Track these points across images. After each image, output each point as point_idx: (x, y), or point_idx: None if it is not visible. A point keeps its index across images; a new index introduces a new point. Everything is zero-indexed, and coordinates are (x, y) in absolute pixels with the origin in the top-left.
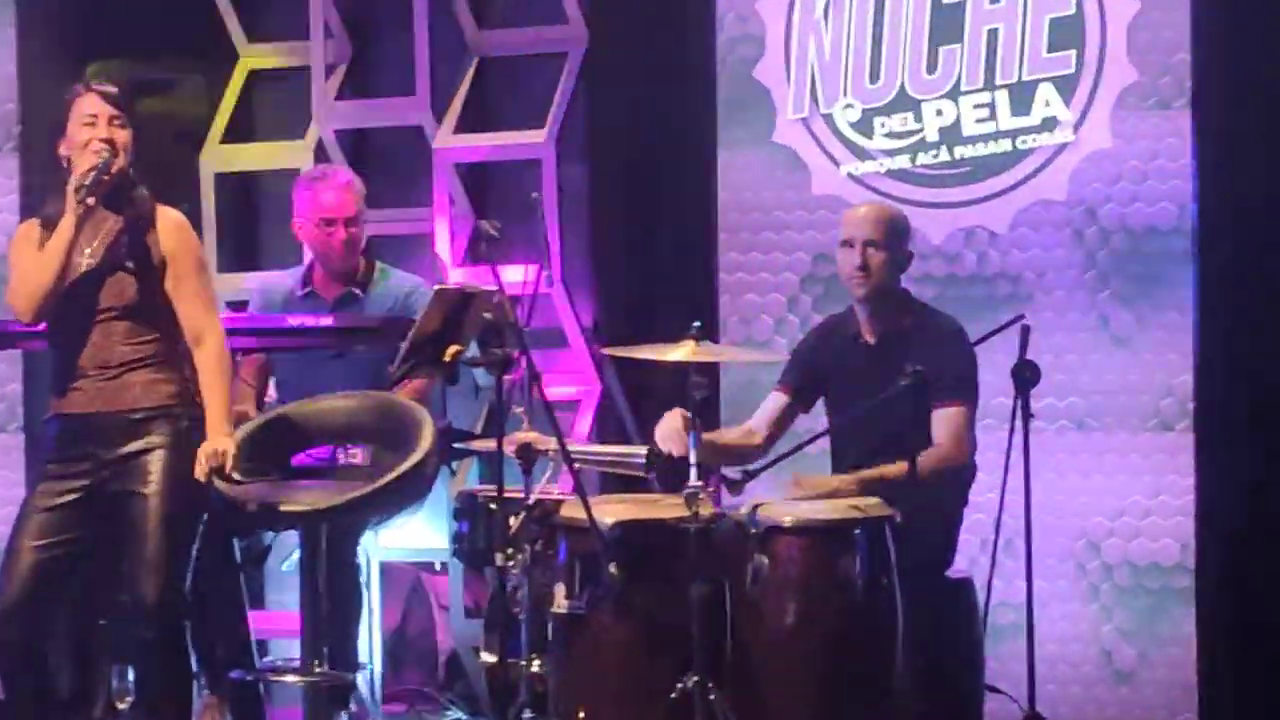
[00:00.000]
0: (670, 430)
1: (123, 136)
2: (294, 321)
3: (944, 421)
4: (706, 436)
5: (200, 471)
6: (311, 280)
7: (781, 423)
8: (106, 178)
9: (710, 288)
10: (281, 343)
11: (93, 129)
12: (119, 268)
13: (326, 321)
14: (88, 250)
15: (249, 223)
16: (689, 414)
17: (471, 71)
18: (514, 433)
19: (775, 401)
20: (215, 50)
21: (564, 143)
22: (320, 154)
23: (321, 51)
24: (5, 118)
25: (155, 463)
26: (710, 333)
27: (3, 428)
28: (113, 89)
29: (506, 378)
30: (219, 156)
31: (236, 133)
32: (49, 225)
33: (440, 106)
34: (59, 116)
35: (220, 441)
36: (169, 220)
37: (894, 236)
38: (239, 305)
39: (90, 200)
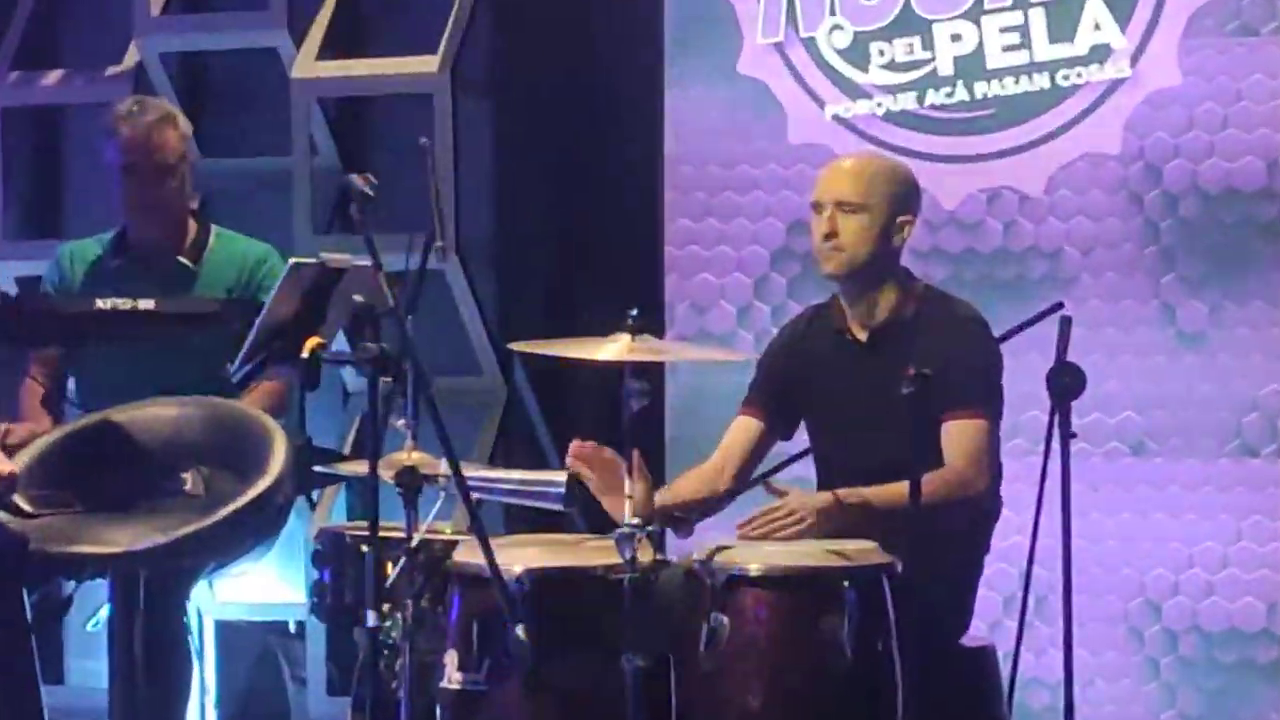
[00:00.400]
0: (602, 477)
1: None
2: (103, 304)
3: (956, 437)
4: (659, 496)
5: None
6: (126, 249)
7: (753, 458)
8: None
9: (653, 265)
10: (85, 331)
11: None
12: None
13: (146, 304)
14: None
15: (47, 174)
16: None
17: None
18: (393, 453)
19: (744, 430)
20: None
21: (462, 74)
22: (142, 84)
23: None
24: None
25: None
26: (653, 324)
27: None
28: None
29: (384, 380)
30: (10, 88)
31: (32, 56)
32: None
33: (300, 24)
34: None
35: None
36: None
37: (881, 197)
38: (29, 282)
39: None
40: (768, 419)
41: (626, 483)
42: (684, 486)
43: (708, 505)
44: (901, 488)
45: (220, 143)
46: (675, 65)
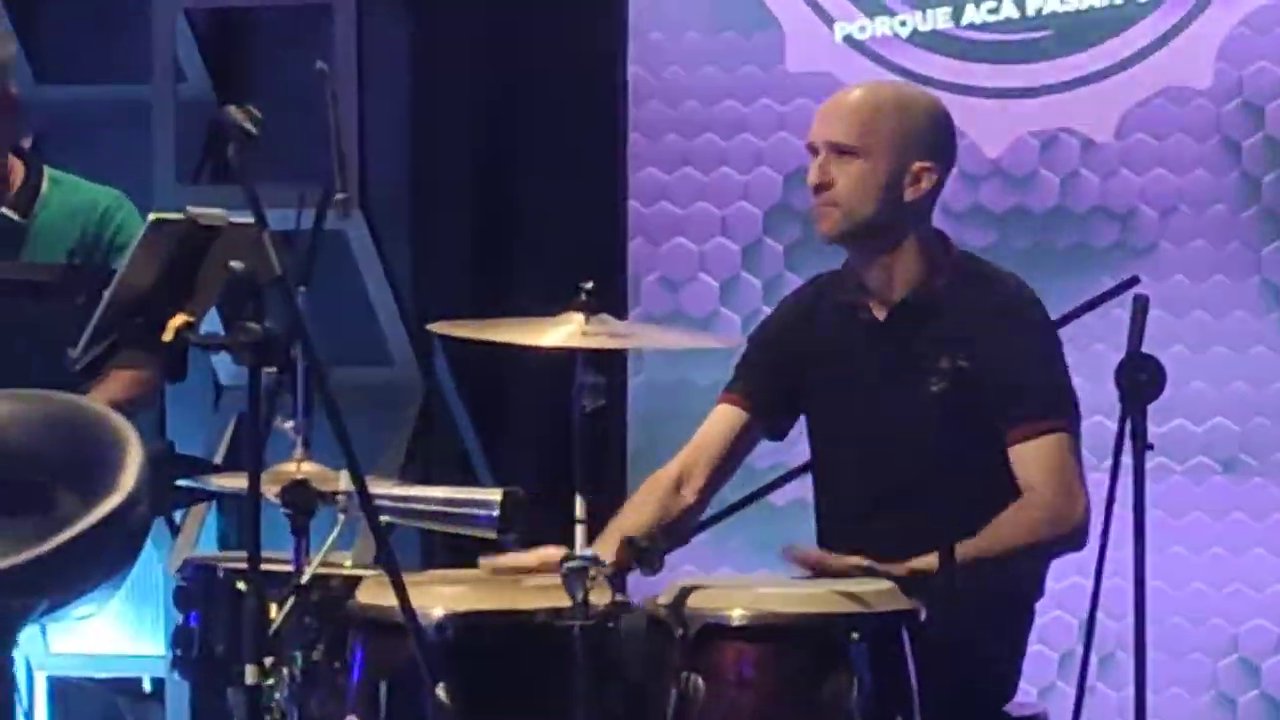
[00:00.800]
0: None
1: None
2: None
3: (1035, 458)
4: (615, 531)
5: None
6: None
7: (733, 457)
8: None
9: (613, 228)
10: None
11: None
12: None
13: None
14: None
15: None
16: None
17: None
18: (279, 464)
19: (722, 422)
20: None
21: None
22: None
23: None
24: None
25: None
26: (611, 302)
27: None
28: None
29: (268, 371)
30: None
31: None
32: None
33: None
34: None
35: None
36: None
37: (887, 137)
38: None
39: None
40: (754, 409)
41: (578, 503)
42: (641, 512)
43: (669, 532)
44: (980, 539)
45: (60, 66)
46: None
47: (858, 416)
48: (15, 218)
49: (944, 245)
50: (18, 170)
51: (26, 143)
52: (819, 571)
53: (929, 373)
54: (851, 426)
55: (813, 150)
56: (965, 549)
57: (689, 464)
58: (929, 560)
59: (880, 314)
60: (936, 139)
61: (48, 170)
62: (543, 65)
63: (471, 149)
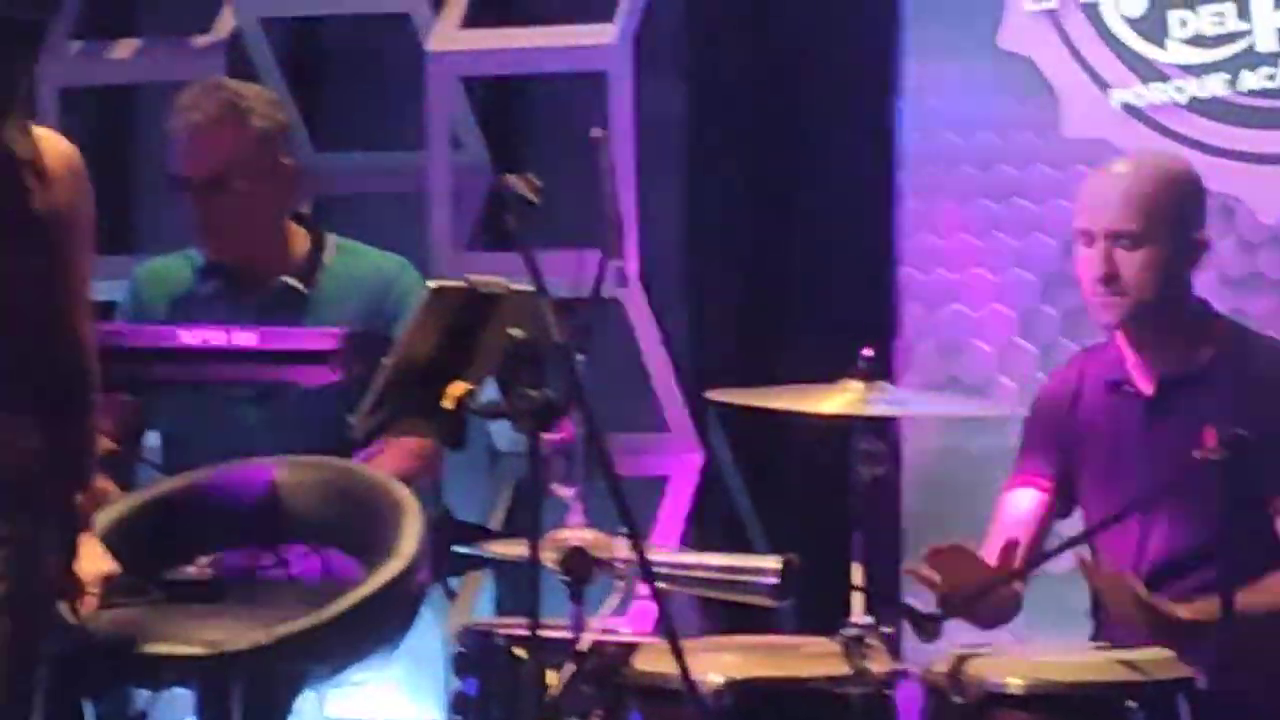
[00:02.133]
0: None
1: None
2: (189, 338)
3: None
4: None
5: (80, 602)
6: (220, 270)
7: (1041, 539)
8: None
9: (886, 293)
10: (169, 373)
11: None
12: None
13: (244, 338)
14: None
15: (116, 172)
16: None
17: None
18: (557, 530)
19: (1028, 504)
20: None
21: (647, 47)
22: (238, 58)
23: None
24: None
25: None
26: (886, 369)
27: None
28: None
29: (547, 438)
30: (71, 63)
31: (99, 23)
32: None
33: None
34: None
35: (99, 559)
36: (59, 153)
37: (1171, 220)
38: (99, 310)
39: None
40: (1053, 489)
41: (856, 571)
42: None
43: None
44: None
45: (339, 134)
46: (917, 35)
47: (1131, 490)
48: (299, 286)
49: (1208, 313)
50: (301, 238)
51: (306, 209)
52: (1105, 589)
53: (1203, 444)
54: (1125, 499)
55: (1087, 237)
56: (1245, 600)
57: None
58: (1209, 607)
59: (1148, 388)
60: (1200, 206)
61: (331, 238)
62: (817, 131)
63: (746, 215)
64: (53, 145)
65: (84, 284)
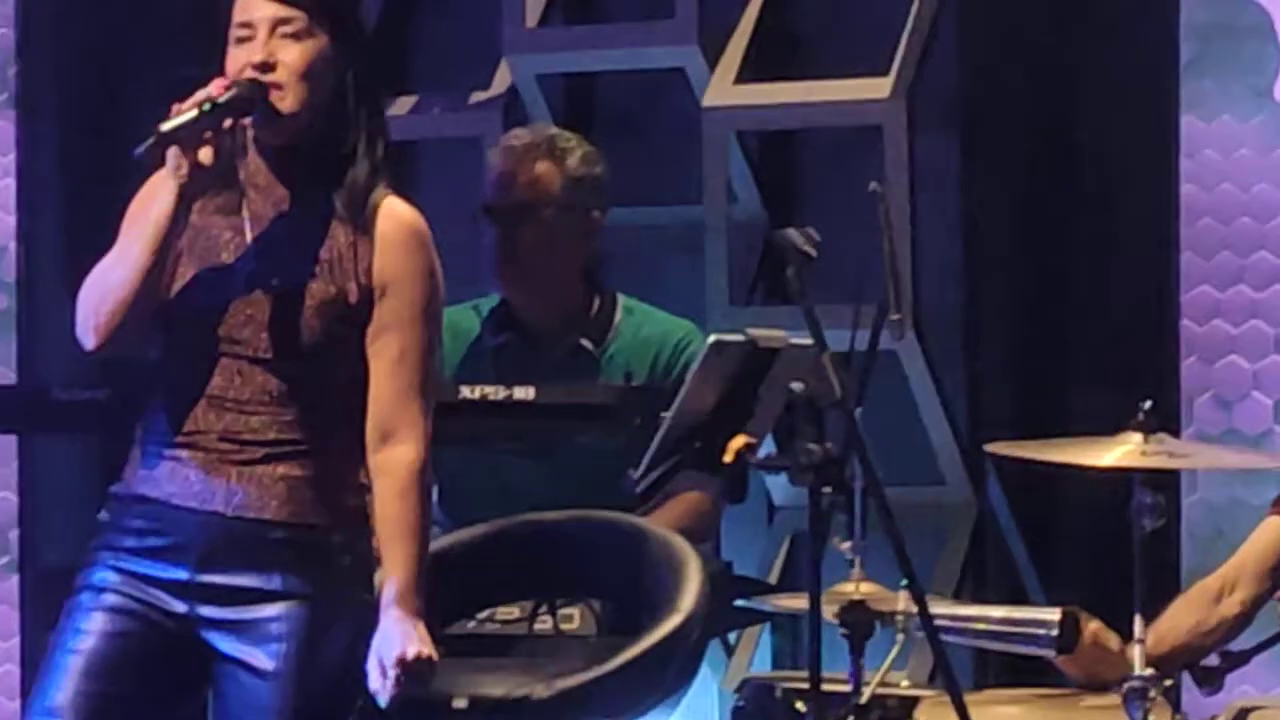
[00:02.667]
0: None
1: (296, 56)
2: (469, 393)
3: None
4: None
5: (381, 684)
6: (512, 324)
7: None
8: (231, 122)
9: (1167, 345)
10: (450, 427)
11: (247, 48)
12: (285, 283)
13: (523, 394)
14: (229, 238)
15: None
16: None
17: None
18: (836, 584)
19: (1272, 533)
20: None
21: (920, 100)
22: (514, 113)
23: None
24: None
25: (289, 622)
26: (1164, 421)
27: None
28: None
29: (825, 491)
30: None
31: (380, 77)
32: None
33: (715, 38)
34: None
35: (418, 642)
36: (395, 221)
37: None
38: None
39: (198, 159)
40: None
41: (1137, 623)
42: (1167, 619)
43: (1203, 641)
44: None
45: (616, 189)
46: (1193, 88)
47: None
48: (590, 347)
49: None
50: (591, 297)
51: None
52: None
53: None
54: None
55: None
56: None
57: (1231, 575)
58: None
59: None
60: None
61: (621, 299)
62: (1092, 184)
63: (1021, 268)
64: (392, 212)
65: (409, 350)
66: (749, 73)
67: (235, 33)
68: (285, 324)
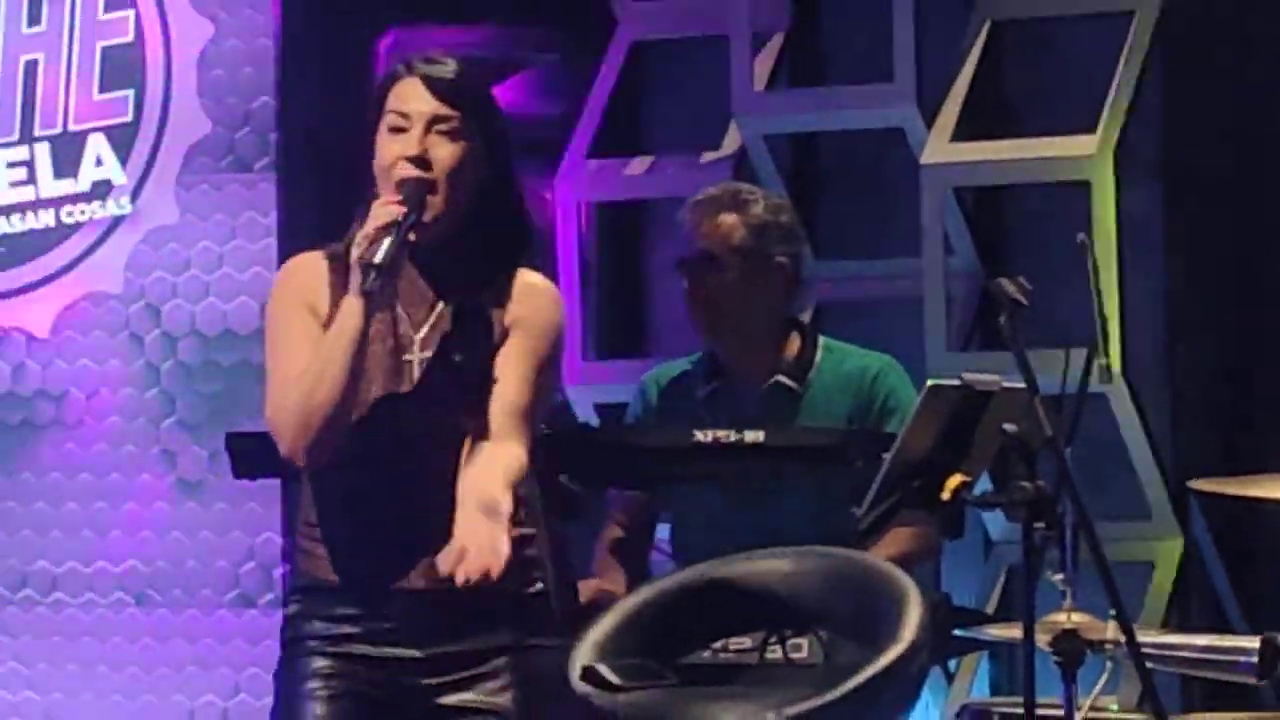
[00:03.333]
0: None
1: (449, 154)
2: (701, 436)
3: None
4: None
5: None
6: (718, 373)
7: None
8: (411, 239)
9: None
10: (683, 470)
11: (401, 139)
12: (465, 372)
13: (753, 436)
14: (415, 339)
15: (630, 281)
16: None
17: (980, 42)
18: (1049, 614)
19: None
20: (579, 15)
21: (1125, 155)
22: (744, 171)
23: (747, 13)
24: (258, 119)
25: (511, 670)
26: None
27: (251, 599)
28: (449, 70)
29: (1038, 526)
30: (590, 178)
31: (613, 141)
32: (342, 269)
33: (931, 100)
34: (351, 115)
35: (472, 559)
36: (526, 286)
37: None
38: (611, 410)
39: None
40: None
41: None
42: None
43: None
44: None
45: (836, 243)
46: None
47: None
48: (792, 385)
49: None
50: (794, 341)
51: (806, 316)
52: None
53: None
54: None
55: None
56: None
57: None
58: None
59: None
60: None
61: (821, 339)
62: None
63: (1223, 311)
64: (525, 277)
65: (522, 378)
66: (964, 131)
67: (389, 120)
68: (457, 421)
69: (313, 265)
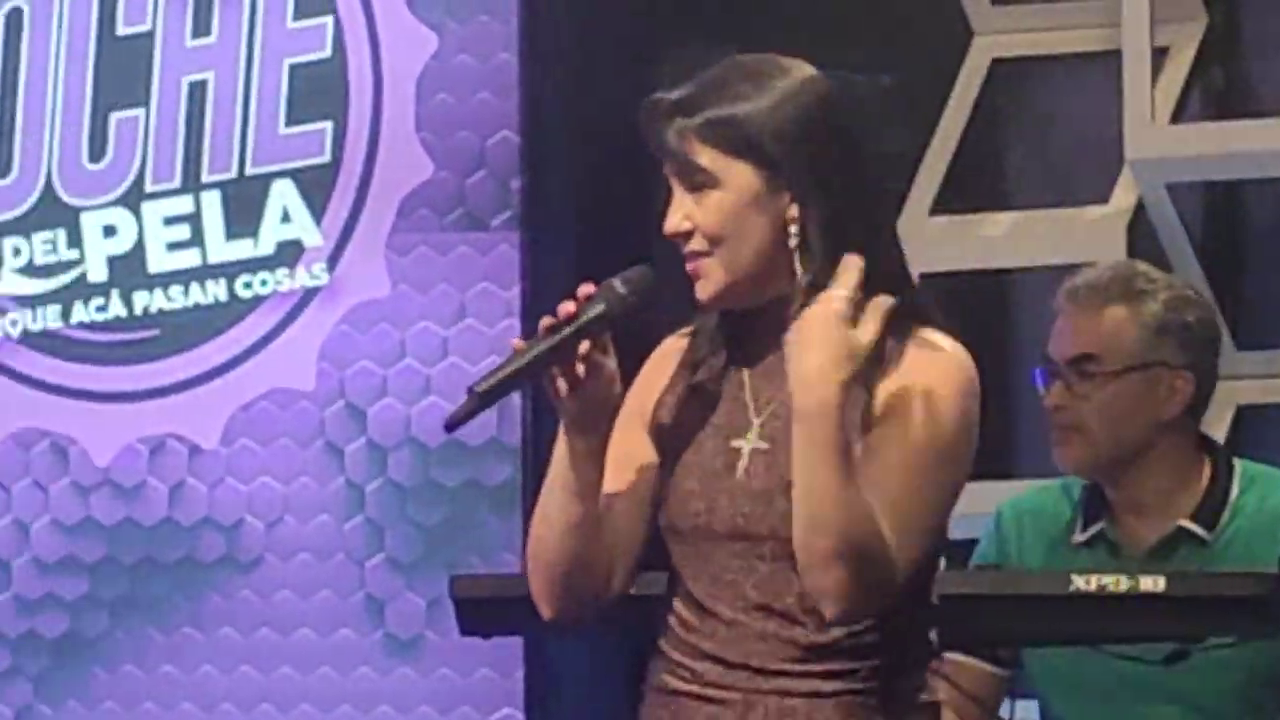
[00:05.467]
0: None
1: (713, 216)
2: (1085, 584)
3: None
4: None
5: None
6: (1102, 511)
7: None
8: (588, 346)
9: None
10: (1057, 624)
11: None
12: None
13: (1151, 584)
14: (752, 433)
15: (996, 381)
16: None
17: None
18: None
19: None
20: (923, 27)
21: None
22: (1139, 232)
23: (1146, 23)
24: (496, 160)
25: None
26: None
27: None
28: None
29: None
30: (934, 241)
31: (956, 190)
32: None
33: None
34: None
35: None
36: (925, 359)
37: None
38: (962, 547)
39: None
40: None
41: None
42: None
43: None
44: None
45: (1259, 327)
46: None
47: None
48: (1199, 532)
49: None
50: (1203, 470)
51: (1220, 432)
52: None
53: None
54: None
55: None
56: None
57: None
58: None
59: None
60: None
61: (1239, 465)
62: None
63: None
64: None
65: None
66: None
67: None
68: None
69: (666, 351)
